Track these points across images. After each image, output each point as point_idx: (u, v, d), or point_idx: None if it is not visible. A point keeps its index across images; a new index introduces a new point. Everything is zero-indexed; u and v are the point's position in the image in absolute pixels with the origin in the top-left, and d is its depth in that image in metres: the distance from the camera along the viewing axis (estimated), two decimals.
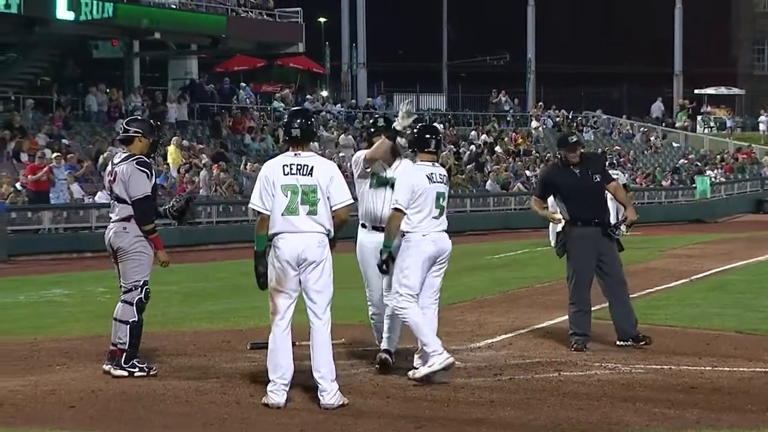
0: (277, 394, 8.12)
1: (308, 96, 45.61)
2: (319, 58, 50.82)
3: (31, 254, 25.12)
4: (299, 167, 8.20)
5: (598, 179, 10.88)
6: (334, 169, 8.36)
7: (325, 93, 48.99)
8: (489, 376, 9.27)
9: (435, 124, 31.55)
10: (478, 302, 14.93)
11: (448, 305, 12.84)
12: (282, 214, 8.16)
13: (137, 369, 9.29)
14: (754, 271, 19.49)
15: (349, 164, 17.97)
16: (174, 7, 37.57)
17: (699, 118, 58.60)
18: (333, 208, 8.22)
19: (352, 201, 8.40)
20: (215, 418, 7.83)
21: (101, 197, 26.24)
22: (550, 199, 11.69)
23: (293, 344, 8.31)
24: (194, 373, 9.49)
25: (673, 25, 60.39)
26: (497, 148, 44.65)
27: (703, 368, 9.58)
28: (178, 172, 31.46)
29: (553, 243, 12.36)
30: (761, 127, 57.67)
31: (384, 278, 9.25)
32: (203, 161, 32.95)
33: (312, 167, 8.22)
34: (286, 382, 8.15)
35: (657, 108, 58.33)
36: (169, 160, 31.85)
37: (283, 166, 8.24)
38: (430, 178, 9.11)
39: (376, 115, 12.17)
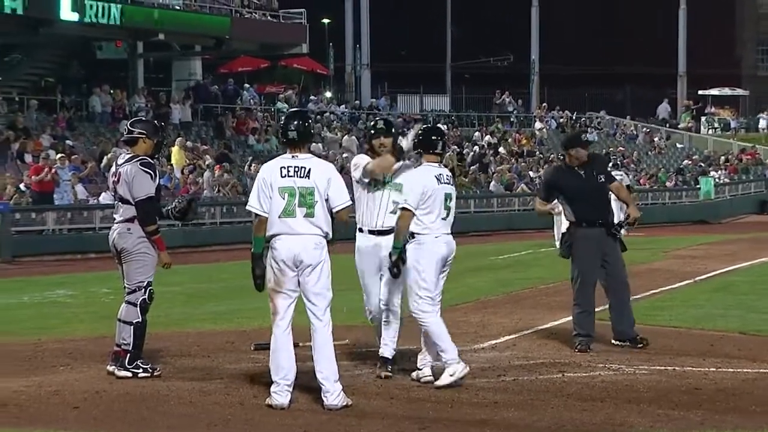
0: (280, 395, 8.11)
1: (312, 97, 45.58)
2: (323, 59, 50.80)
3: (35, 255, 25.12)
4: (297, 169, 8.17)
5: (603, 180, 10.91)
6: (331, 171, 8.33)
7: (328, 94, 48.96)
8: (493, 377, 9.27)
9: (438, 125, 31.55)
10: (481, 303, 14.92)
11: (452, 306, 12.84)
12: (279, 217, 8.15)
13: (141, 370, 9.30)
14: (758, 272, 19.46)
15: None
16: (178, 8, 37.60)
17: (703, 119, 58.50)
18: (334, 210, 8.21)
19: (351, 202, 8.40)
20: (219, 419, 7.83)
21: (105, 198, 26.23)
22: None
23: (296, 345, 8.30)
24: (198, 374, 9.49)
25: (677, 26, 60.29)
26: (501, 149, 44.65)
27: (707, 369, 9.56)
28: (182, 173, 31.45)
29: (558, 245, 12.41)
30: (761, 123, 57.60)
31: (383, 283, 9.21)
32: (207, 162, 32.95)
33: (309, 169, 8.18)
34: (289, 382, 8.14)
35: (663, 109, 58.26)
36: (173, 161, 31.83)
37: (281, 168, 8.21)
38: (438, 179, 9.08)
39: (377, 118, 12.14)
